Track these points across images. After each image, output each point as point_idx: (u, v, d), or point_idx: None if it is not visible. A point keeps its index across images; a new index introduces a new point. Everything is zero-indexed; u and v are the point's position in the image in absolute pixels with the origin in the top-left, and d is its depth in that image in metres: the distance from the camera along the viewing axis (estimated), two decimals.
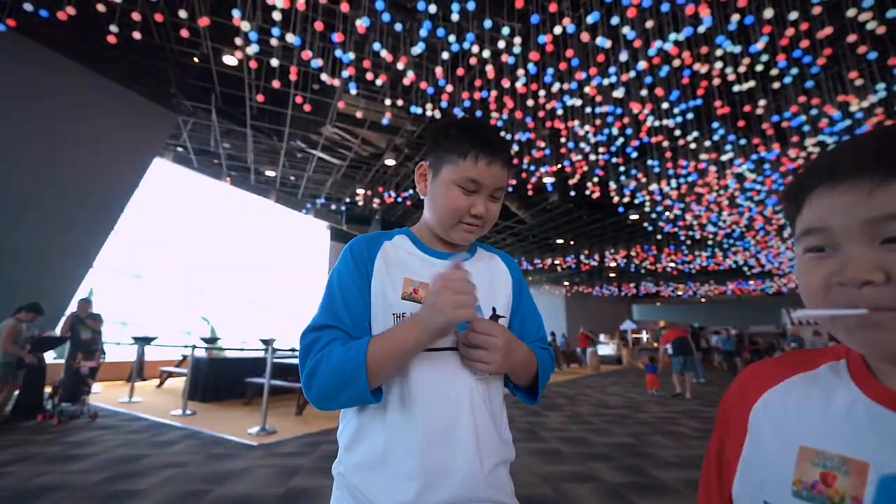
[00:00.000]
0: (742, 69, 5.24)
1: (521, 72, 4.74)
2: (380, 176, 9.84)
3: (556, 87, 5.36)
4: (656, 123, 6.32)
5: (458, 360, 0.72)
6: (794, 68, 5.23)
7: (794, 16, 4.36)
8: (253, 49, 4.22)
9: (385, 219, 12.65)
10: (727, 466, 0.47)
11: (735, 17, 4.30)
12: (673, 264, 16.21)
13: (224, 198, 13.16)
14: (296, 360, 8.11)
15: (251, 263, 15.94)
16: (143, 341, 8.44)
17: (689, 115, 6.19)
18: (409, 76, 4.91)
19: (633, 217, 11.36)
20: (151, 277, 13.59)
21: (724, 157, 6.88)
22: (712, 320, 25.52)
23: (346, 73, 4.84)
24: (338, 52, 4.40)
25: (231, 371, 7.54)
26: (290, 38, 3.95)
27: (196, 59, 5.74)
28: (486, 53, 4.39)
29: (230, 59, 5.95)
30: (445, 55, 4.61)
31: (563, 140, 7.09)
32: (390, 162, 8.52)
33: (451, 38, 4.46)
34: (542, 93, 5.46)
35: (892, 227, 0.36)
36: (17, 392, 5.21)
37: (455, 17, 4.15)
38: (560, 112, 6.11)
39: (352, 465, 0.70)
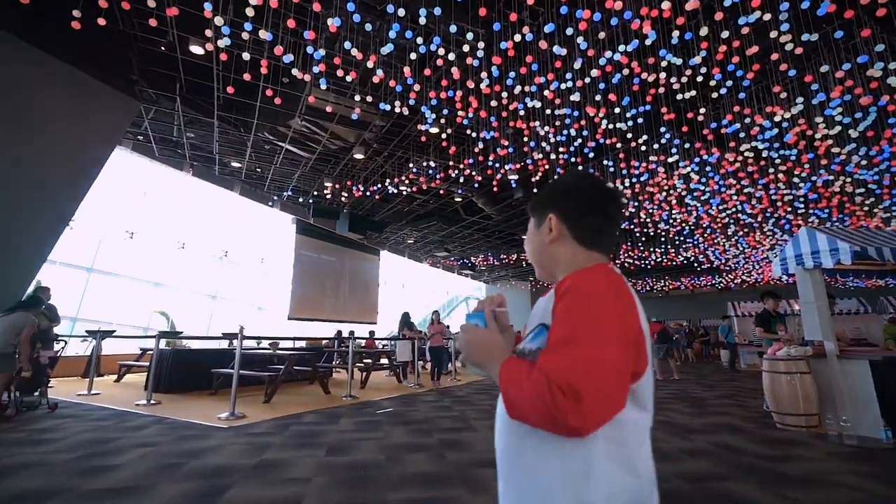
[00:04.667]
0: (684, 79, 5.78)
1: (484, 74, 5.05)
2: (348, 170, 9.95)
3: (517, 90, 5.71)
4: (610, 126, 6.81)
5: None
6: (728, 80, 5.81)
7: (725, 34, 4.89)
8: (224, 42, 4.31)
9: (353, 213, 12.71)
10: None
11: (675, 34, 4.78)
12: (630, 260, 17.12)
13: (186, 189, 12.79)
14: (262, 351, 8.14)
15: (213, 257, 15.54)
16: (100, 335, 8.22)
17: (640, 120, 6.71)
18: (379, 74, 5.12)
19: None
20: (106, 271, 13.05)
21: (670, 160, 7.48)
22: (668, 314, 27.09)
23: (316, 69, 4.99)
24: (309, 49, 4.55)
25: (196, 363, 7.52)
26: (263, 34, 4.08)
27: (163, 48, 5.70)
28: (452, 56, 4.67)
29: (197, 49, 5.94)
30: (413, 55, 4.85)
31: (525, 139, 7.49)
32: (359, 156, 8.66)
33: (419, 39, 4.71)
34: (504, 94, 5.80)
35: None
36: None
37: (423, 20, 4.40)
38: (522, 113, 6.47)
39: None
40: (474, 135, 7.14)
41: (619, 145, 7.14)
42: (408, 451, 3.68)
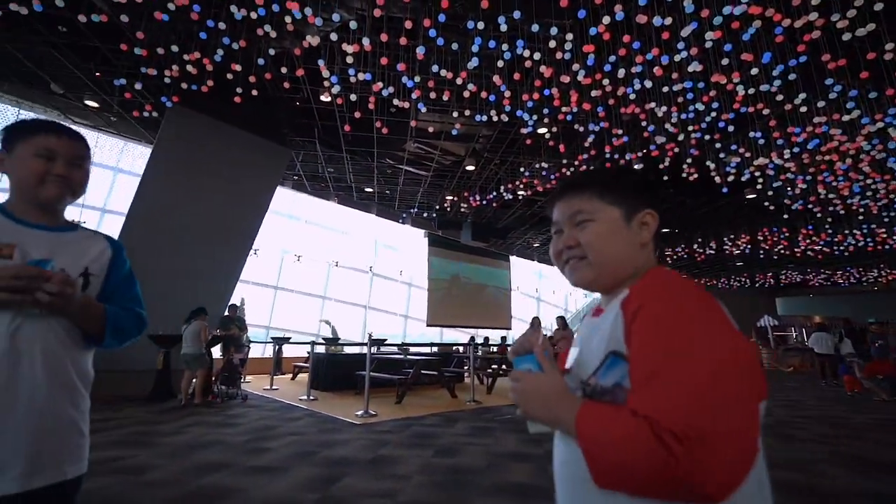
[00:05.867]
0: (853, 12, 4.52)
1: (576, 66, 4.78)
2: (464, 181, 10.35)
3: (621, 73, 5.24)
4: (750, 91, 5.71)
5: None
6: None
7: None
8: (335, 89, 5.02)
9: (475, 221, 13.12)
10: None
11: None
12: (817, 247, 13.77)
13: (334, 215, 14.98)
14: (399, 356, 8.98)
15: (365, 271, 17.72)
16: (279, 341, 10.09)
17: (792, 76, 5.47)
18: (471, 88, 5.28)
19: (750, 196, 10.07)
20: (287, 288, 16.00)
21: (847, 117, 5.87)
22: (891, 312, 20.75)
23: (414, 96, 5.41)
24: (404, 79, 4.98)
25: (345, 365, 8.68)
26: (361, 76, 4.64)
27: (297, 103, 6.89)
28: (537, 55, 4.55)
29: (325, 97, 6.99)
30: (500, 63, 4.88)
31: (643, 124, 6.77)
32: (470, 167, 8.96)
33: (504, 46, 4.73)
34: (606, 81, 5.37)
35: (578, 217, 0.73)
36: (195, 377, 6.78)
37: (504, 27, 4.42)
38: (633, 96, 5.89)
39: None
40: (581, 129, 6.74)
41: (766, 111, 5.92)
42: (513, 459, 3.67)
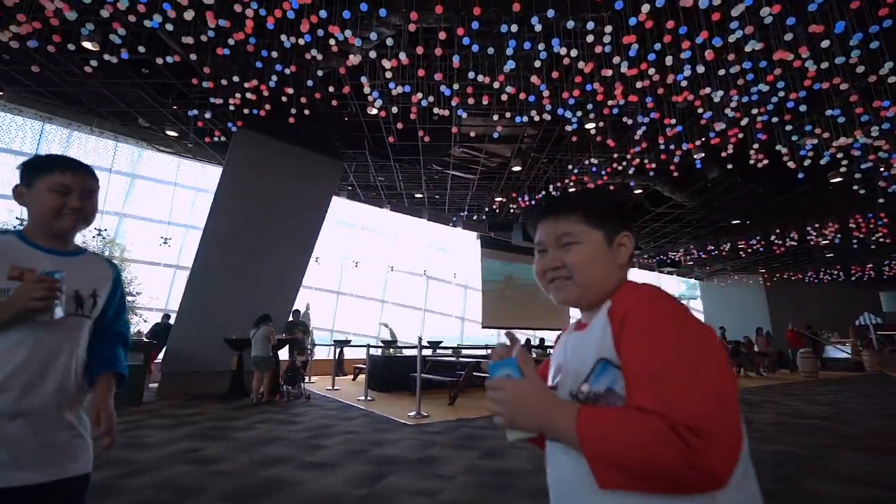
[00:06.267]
0: None
1: (617, 58, 4.60)
2: (511, 182, 10.28)
3: (668, 61, 4.97)
4: (824, 66, 5.16)
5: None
6: None
7: None
8: (378, 103, 5.25)
9: (526, 221, 12.95)
10: None
11: None
12: None
13: (388, 221, 15.51)
14: (447, 358, 9.10)
15: (420, 275, 18.13)
16: (340, 343, 10.62)
17: (875, 44, 4.87)
18: (509, 90, 5.28)
19: (835, 180, 9.02)
20: (347, 293, 16.80)
21: None
22: None
23: (453, 103, 5.51)
24: (442, 88, 5.10)
25: (401, 367, 8.96)
26: (400, 89, 4.82)
27: (346, 119, 7.27)
28: (574, 52, 4.45)
29: (372, 111, 7.31)
30: (537, 63, 4.83)
31: (699, 111, 6.35)
32: (517, 168, 8.89)
33: (540, 46, 4.68)
34: (652, 71, 5.11)
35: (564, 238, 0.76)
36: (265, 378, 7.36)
37: (538, 27, 4.38)
38: (684, 83, 5.56)
39: None
40: (630, 121, 6.46)
41: (843, 86, 5.31)
42: None
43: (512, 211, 11.38)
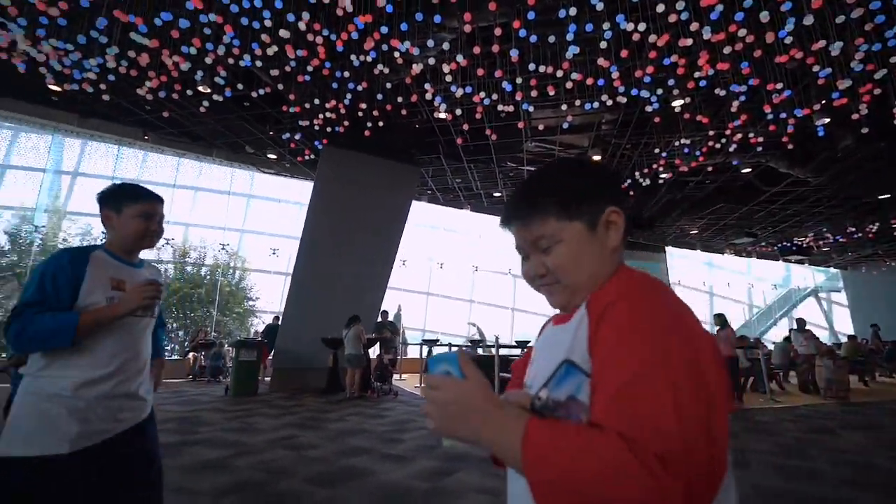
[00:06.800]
0: None
1: (695, 25, 4.11)
2: None
3: (764, 16, 4.31)
4: None
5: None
6: None
7: None
8: (442, 107, 5.37)
9: None
10: None
11: None
12: None
13: (470, 222, 15.70)
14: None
15: (505, 273, 18.03)
16: (428, 343, 11.01)
17: None
18: (576, 77, 5.03)
19: None
20: (436, 293, 17.38)
21: None
22: None
23: (518, 98, 5.41)
24: (504, 84, 5.04)
25: (486, 366, 9.01)
26: (459, 92, 4.87)
27: (416, 126, 7.54)
28: (643, 26, 4.07)
29: (439, 115, 7.49)
30: (603, 45, 4.53)
31: (814, 69, 5.39)
32: (596, 158, 8.39)
33: (604, 25, 4.38)
34: (743, 32, 4.47)
35: (541, 243, 0.65)
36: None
37: (599, 6, 4.11)
38: (788, 40, 4.77)
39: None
40: (723, 93, 5.73)
41: None
42: None
43: None
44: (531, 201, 0.67)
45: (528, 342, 10.54)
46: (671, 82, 5.46)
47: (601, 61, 4.70)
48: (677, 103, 6.61)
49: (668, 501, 0.42)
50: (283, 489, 2.95)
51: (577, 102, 5.60)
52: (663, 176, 9.32)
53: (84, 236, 12.94)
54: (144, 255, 1.59)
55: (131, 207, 1.41)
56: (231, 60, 5.44)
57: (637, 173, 9.02)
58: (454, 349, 0.65)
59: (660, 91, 5.82)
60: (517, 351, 9.66)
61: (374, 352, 8.78)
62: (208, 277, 14.54)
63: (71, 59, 5.25)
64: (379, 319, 8.89)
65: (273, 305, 14.71)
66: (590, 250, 0.64)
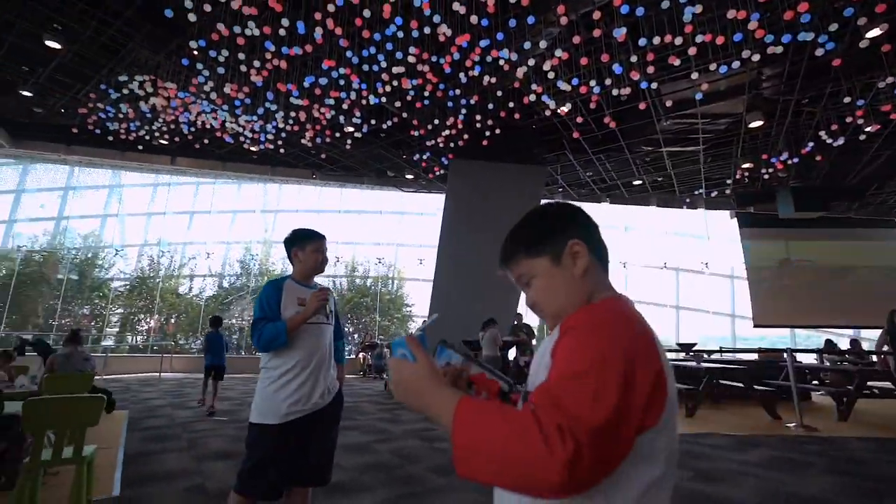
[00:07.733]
0: None
1: None
2: (758, 142, 8.07)
3: None
4: None
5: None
6: None
7: None
8: (552, 104, 5.28)
9: (795, 187, 9.73)
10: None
11: None
12: None
13: (611, 215, 14.54)
14: (692, 364, 7.78)
15: (659, 267, 16.19)
16: None
17: None
18: (700, 40, 4.36)
19: None
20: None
21: None
22: None
23: (635, 77, 4.94)
24: (614, 67, 4.68)
25: None
26: (565, 86, 4.70)
27: (533, 126, 7.47)
28: None
29: (560, 111, 7.28)
30: None
31: None
32: (756, 124, 6.95)
33: None
34: None
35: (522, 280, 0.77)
36: None
37: None
38: None
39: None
40: None
41: None
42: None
43: (766, 177, 8.89)
44: (510, 247, 0.81)
45: (695, 344, 9.24)
46: (849, 11, 4.28)
47: (731, 13, 3.99)
48: (871, 33, 5.09)
49: (554, 458, 0.48)
50: (410, 473, 3.34)
51: (713, 67, 4.83)
52: (867, 130, 7.18)
53: (284, 259, 16.44)
54: (318, 279, 2.17)
55: (310, 245, 2.01)
56: (364, 101, 6.36)
57: (823, 132, 7.16)
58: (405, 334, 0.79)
59: (835, 26, 4.59)
60: (679, 355, 8.58)
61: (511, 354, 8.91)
62: (372, 288, 16.82)
63: (257, 127, 6.89)
64: (514, 322, 8.98)
65: (422, 309, 16.22)
66: (560, 280, 0.74)
